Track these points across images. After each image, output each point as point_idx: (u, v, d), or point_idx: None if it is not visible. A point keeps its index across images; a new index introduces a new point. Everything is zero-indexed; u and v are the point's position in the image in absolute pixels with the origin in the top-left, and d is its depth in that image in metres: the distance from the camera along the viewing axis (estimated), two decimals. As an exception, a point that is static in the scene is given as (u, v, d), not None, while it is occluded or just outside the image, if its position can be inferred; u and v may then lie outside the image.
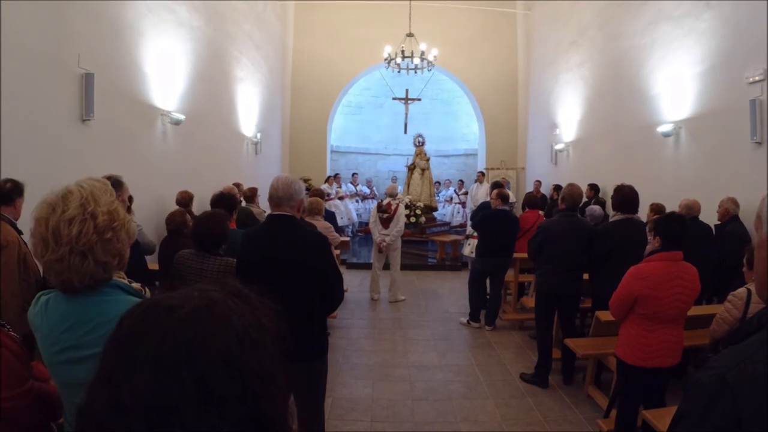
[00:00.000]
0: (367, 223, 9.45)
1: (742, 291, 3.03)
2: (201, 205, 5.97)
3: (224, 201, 4.04)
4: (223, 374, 0.55)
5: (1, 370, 1.22)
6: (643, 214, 5.05)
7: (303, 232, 2.45)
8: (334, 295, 2.48)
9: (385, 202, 6.86)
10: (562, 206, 4.31)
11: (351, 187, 13.10)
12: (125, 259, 1.28)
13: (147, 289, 1.85)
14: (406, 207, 9.53)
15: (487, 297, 5.83)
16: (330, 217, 6.22)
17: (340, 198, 11.79)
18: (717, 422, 0.69)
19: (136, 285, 1.43)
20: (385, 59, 9.60)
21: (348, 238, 9.24)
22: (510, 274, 5.98)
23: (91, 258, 1.16)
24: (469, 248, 7.47)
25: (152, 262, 4.28)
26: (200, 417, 0.53)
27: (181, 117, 5.90)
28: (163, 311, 0.59)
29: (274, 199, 2.45)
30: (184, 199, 5.20)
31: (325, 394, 2.69)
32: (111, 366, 0.58)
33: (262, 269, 2.35)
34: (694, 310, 3.27)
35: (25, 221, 2.98)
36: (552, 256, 4.13)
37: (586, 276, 4.28)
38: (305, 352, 2.38)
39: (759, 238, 0.82)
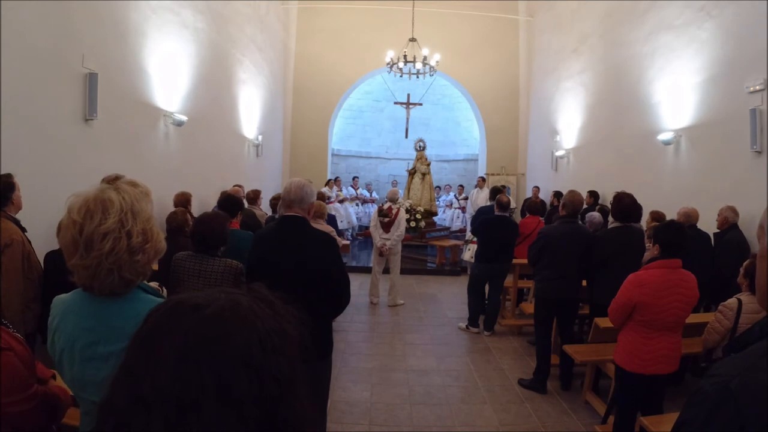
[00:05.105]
0: (366, 227, 9.46)
1: (732, 301, 3.05)
2: (201, 206, 5.97)
3: (230, 202, 4.11)
4: (243, 375, 0.56)
5: (7, 374, 1.21)
6: (643, 221, 5.06)
7: (312, 232, 2.46)
8: (341, 296, 2.48)
9: (385, 206, 6.87)
10: (563, 212, 4.33)
11: (351, 190, 13.10)
12: (148, 276, 1.31)
13: (164, 288, 1.87)
14: (407, 211, 9.53)
15: (486, 302, 5.83)
16: (331, 220, 6.23)
17: (341, 201, 11.79)
18: (719, 430, 0.69)
19: (153, 284, 1.44)
20: (388, 63, 9.64)
21: (348, 242, 9.24)
22: (509, 280, 5.98)
23: (117, 274, 1.18)
24: (469, 253, 7.47)
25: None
26: (217, 416, 0.53)
27: (184, 118, 5.91)
28: (189, 309, 0.60)
29: (286, 201, 2.46)
30: (182, 201, 5.06)
31: (328, 396, 2.68)
32: (135, 360, 0.58)
33: (271, 269, 2.36)
34: (692, 318, 3.29)
35: (28, 216, 3.00)
36: (552, 261, 4.13)
37: (584, 282, 4.29)
38: (309, 352, 2.38)
39: (761, 248, 0.83)
